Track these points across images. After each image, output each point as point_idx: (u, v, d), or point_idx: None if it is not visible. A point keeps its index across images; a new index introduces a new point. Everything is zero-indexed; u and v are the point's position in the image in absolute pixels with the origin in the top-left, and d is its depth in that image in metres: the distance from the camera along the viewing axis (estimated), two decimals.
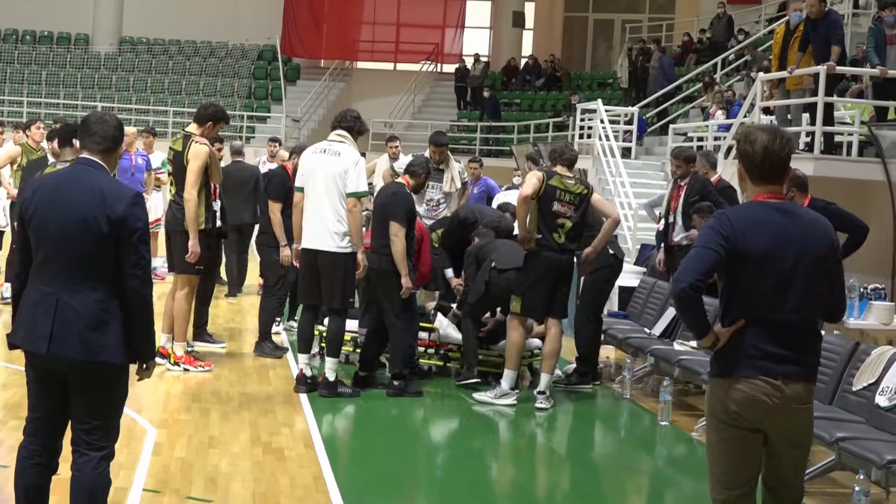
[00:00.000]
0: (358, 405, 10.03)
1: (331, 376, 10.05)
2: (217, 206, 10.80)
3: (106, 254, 5.22)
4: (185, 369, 10.64)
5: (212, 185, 10.68)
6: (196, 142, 10.50)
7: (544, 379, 10.26)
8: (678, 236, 11.72)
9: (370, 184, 12.35)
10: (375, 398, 10.30)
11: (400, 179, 10.83)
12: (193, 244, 10.44)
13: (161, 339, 10.62)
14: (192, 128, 10.67)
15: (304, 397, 9.93)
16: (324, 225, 9.89)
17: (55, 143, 10.02)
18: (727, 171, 15.93)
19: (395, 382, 10.28)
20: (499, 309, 11.18)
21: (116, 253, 5.22)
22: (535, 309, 10.33)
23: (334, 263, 9.93)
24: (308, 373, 10.23)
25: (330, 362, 10.07)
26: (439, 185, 12.72)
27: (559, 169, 10.28)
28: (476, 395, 10.28)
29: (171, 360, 10.65)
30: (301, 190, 10.15)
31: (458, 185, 12.90)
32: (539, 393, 10.21)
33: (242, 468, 7.65)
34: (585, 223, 10.37)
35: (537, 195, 10.07)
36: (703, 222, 11.42)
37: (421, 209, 12.40)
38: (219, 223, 10.87)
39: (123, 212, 5.20)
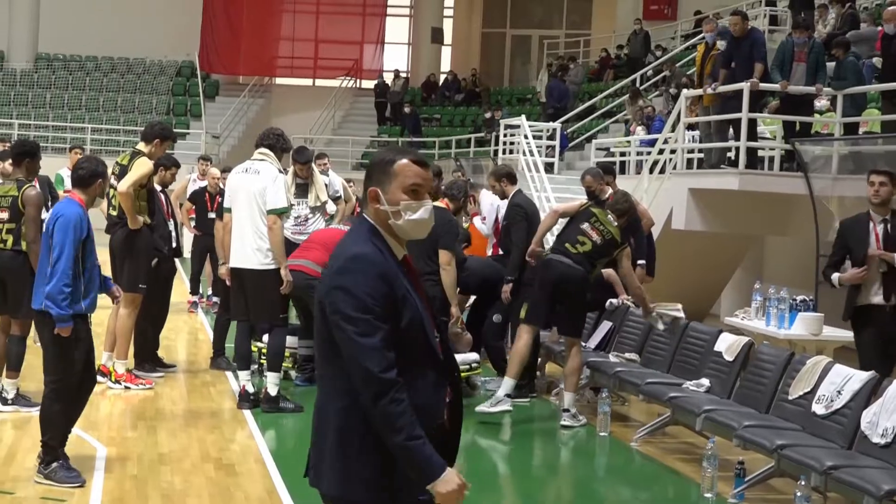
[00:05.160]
0: (301, 419, 10.07)
1: (273, 391, 10.11)
2: (171, 225, 10.81)
3: None
4: (126, 387, 10.64)
5: (165, 206, 10.67)
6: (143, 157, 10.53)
7: (567, 397, 10.36)
8: None
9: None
10: None
11: (440, 203, 10.43)
12: (133, 224, 10.40)
13: (102, 357, 10.63)
14: (141, 146, 10.68)
15: (248, 413, 10.00)
16: (246, 243, 9.96)
17: (6, 163, 9.92)
18: (652, 186, 16.28)
19: None
20: None
21: None
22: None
23: (259, 281, 10.00)
24: (250, 389, 10.28)
25: (272, 377, 10.14)
26: (305, 200, 12.41)
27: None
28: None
29: (112, 378, 10.65)
30: (229, 210, 10.23)
31: (324, 198, 12.53)
32: (563, 410, 10.34)
33: (196, 484, 7.70)
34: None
35: None
36: None
37: (289, 224, 11.96)
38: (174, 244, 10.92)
39: None
